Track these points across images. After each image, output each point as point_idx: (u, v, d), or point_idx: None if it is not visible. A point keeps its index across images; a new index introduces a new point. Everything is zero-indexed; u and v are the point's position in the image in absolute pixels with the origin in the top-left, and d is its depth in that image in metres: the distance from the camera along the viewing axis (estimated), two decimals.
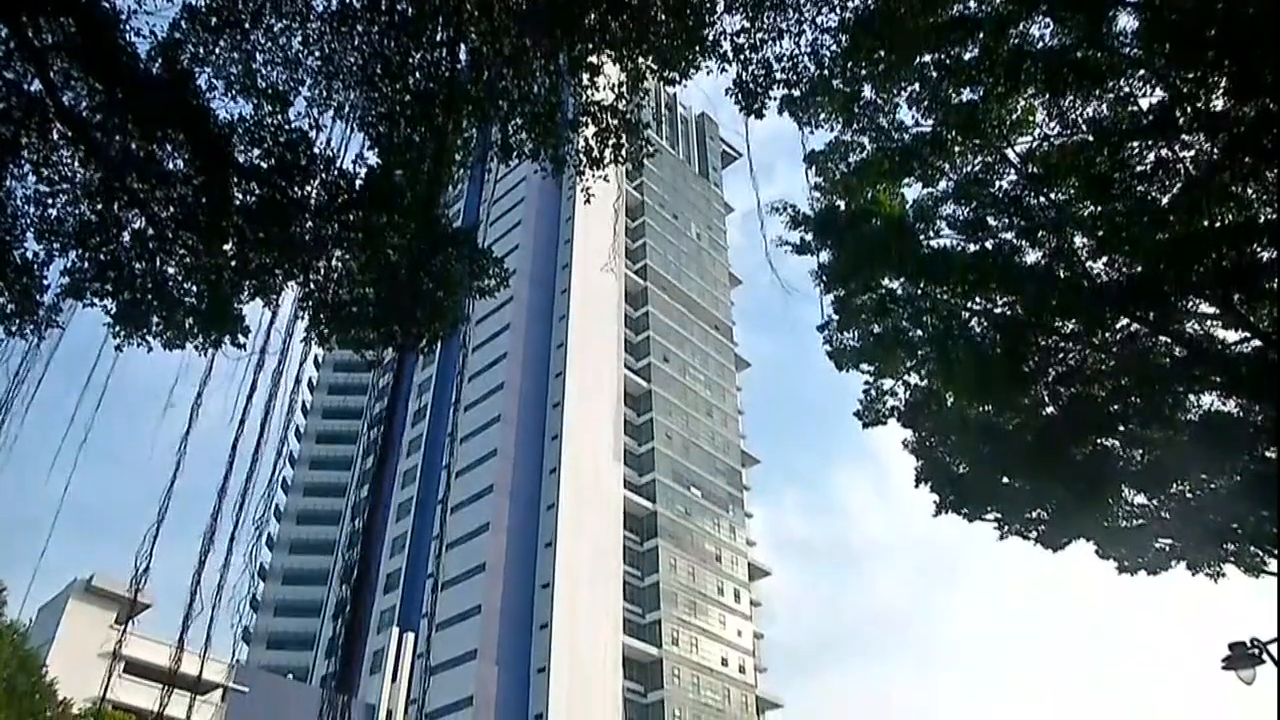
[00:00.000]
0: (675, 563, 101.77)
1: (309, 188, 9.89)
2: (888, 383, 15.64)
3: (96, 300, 9.54)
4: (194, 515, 9.54)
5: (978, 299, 13.82)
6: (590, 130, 10.62)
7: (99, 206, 9.34)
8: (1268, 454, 12.54)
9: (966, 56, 12.72)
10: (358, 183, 10.07)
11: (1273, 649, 12.32)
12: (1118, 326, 13.00)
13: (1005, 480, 15.19)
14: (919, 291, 14.42)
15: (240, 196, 9.75)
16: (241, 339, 10.07)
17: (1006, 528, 15.54)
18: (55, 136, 9.00)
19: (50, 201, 9.18)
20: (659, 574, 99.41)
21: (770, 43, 10.88)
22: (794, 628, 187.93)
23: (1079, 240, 13.23)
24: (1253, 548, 14.17)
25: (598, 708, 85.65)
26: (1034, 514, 15.37)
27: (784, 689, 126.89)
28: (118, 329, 9.63)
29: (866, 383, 15.73)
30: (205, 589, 9.14)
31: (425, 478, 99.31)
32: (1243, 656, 12.91)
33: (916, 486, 15.70)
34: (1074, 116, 12.78)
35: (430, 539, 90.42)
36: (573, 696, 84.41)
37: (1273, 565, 13.89)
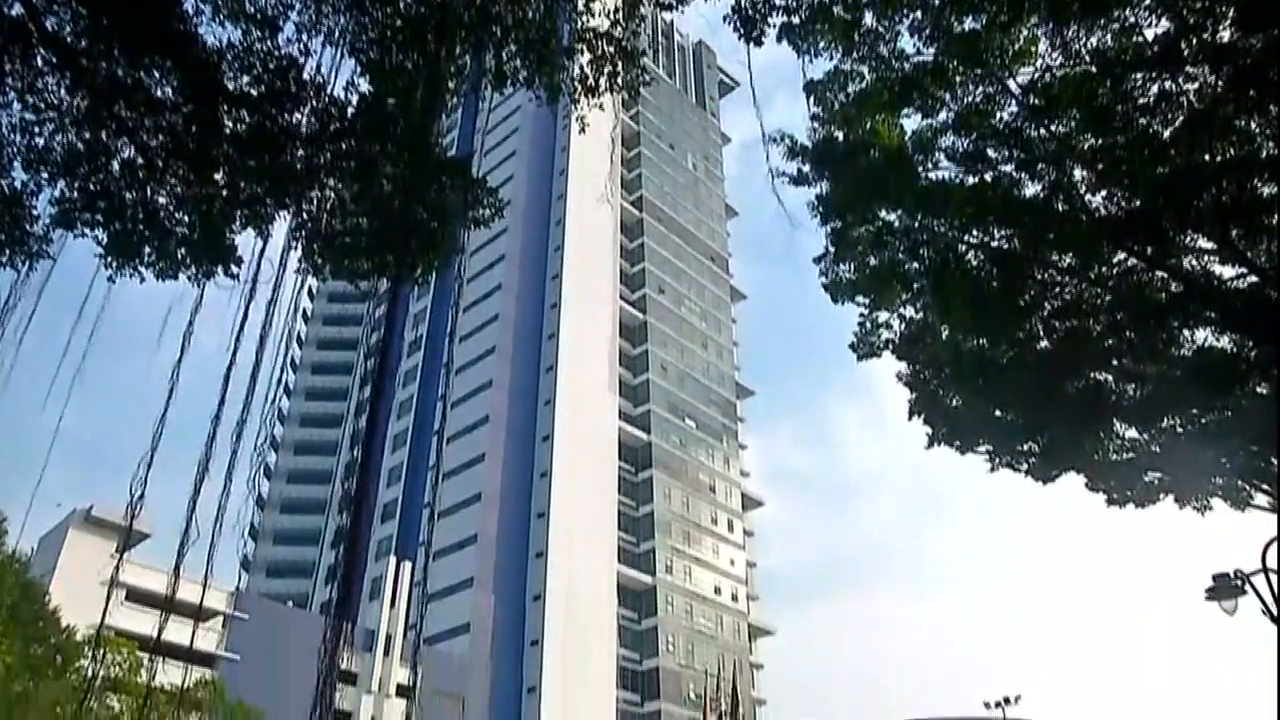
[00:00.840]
0: (670, 493, 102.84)
1: (300, 115, 9.74)
2: (883, 315, 15.64)
3: (87, 230, 9.44)
4: (193, 447, 9.58)
5: (975, 232, 13.74)
6: (585, 57, 10.42)
7: (87, 135, 9.19)
8: (1259, 389, 12.61)
9: None
10: (349, 110, 9.92)
11: (1256, 580, 12.56)
12: (1115, 261, 12.96)
13: (998, 413, 15.28)
14: (916, 224, 14.33)
15: (230, 124, 9.60)
16: (234, 269, 10.00)
17: (998, 460, 15.67)
18: (40, 63, 8.81)
19: (37, 130, 9.02)
20: (653, 504, 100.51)
21: None
22: (786, 557, 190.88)
23: (1078, 174, 13.11)
24: (1240, 482, 14.34)
25: (593, 634, 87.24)
26: (1025, 447, 15.49)
27: (776, 617, 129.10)
28: (109, 259, 9.54)
29: (862, 315, 15.72)
30: (203, 518, 9.20)
31: (421, 408, 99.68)
32: (1225, 588, 13.17)
33: (910, 419, 15.80)
34: (1077, 47, 12.56)
35: (427, 469, 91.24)
36: (568, 623, 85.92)
37: (1260, 499, 14.06)
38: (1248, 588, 12.78)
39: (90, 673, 28.71)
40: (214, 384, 9.89)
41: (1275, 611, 12.37)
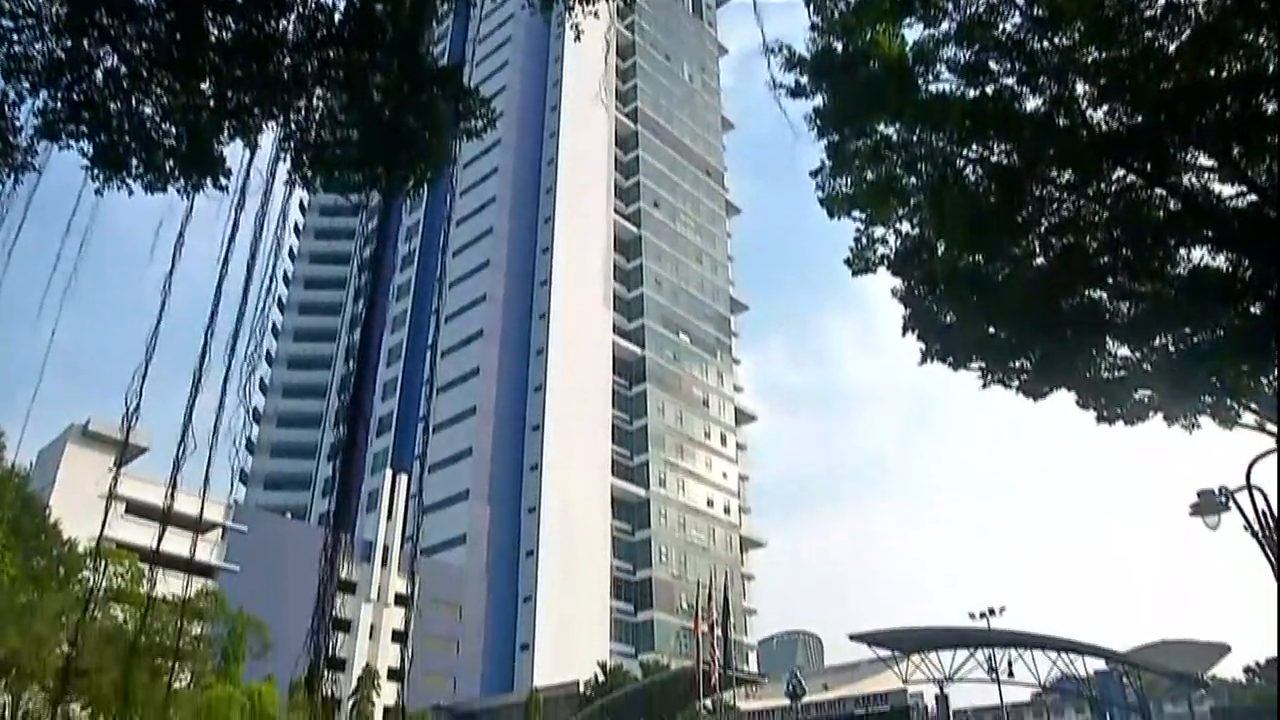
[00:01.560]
0: (663, 407, 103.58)
1: (286, 22, 9.49)
2: (879, 230, 15.50)
3: (72, 142, 9.26)
4: (188, 361, 9.57)
5: (974, 146, 13.54)
6: None
7: (68, 43, 8.94)
8: (1253, 309, 12.62)
9: None
10: (337, 17, 9.66)
11: (1240, 497, 12.77)
12: (1114, 178, 12.81)
13: (991, 330, 15.27)
14: (915, 138, 14.12)
15: (215, 32, 9.35)
16: (223, 181, 9.86)
17: (990, 376, 15.72)
18: None
19: (15, 37, 8.77)
20: (647, 418, 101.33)
21: None
22: (779, 472, 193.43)
23: (1080, 88, 12.87)
24: (1229, 400, 14.45)
25: (587, 545, 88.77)
26: (1017, 364, 15.52)
27: (768, 530, 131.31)
28: (96, 171, 9.39)
29: (858, 230, 15.58)
30: (200, 430, 9.23)
31: (415, 322, 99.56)
32: (1210, 504, 13.38)
33: (903, 335, 15.80)
34: None
35: (422, 383, 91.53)
36: (563, 535, 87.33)
37: (1247, 418, 14.18)
38: (1231, 504, 13.01)
39: (92, 584, 29.27)
40: (208, 297, 9.85)
41: (1257, 527, 12.63)
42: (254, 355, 9.79)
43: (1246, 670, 72.99)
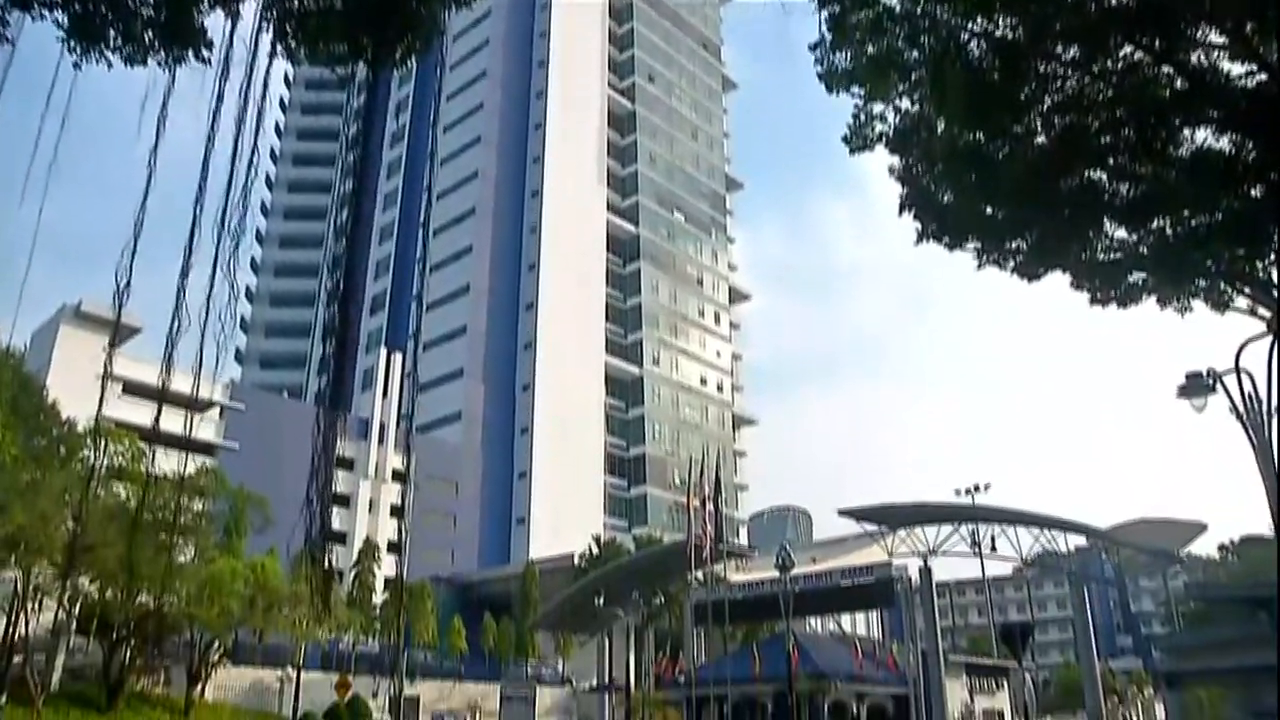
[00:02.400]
0: (657, 285, 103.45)
1: None
2: (878, 107, 15.13)
3: (45, 12, 8.91)
4: (179, 239, 9.43)
5: (978, 20, 13.10)
6: None
7: None
8: (1253, 192, 12.45)
9: None
10: None
11: (1229, 381, 12.87)
12: (1121, 55, 12.46)
13: (988, 210, 15.10)
14: (918, 10, 13.65)
15: None
16: (205, 53, 9.53)
17: (985, 257, 15.62)
18: None
19: None
20: (641, 296, 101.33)
21: None
22: (771, 351, 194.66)
23: None
24: (1223, 284, 14.41)
25: (581, 423, 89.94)
26: (1013, 244, 15.40)
27: (760, 408, 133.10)
28: (72, 44, 9.06)
29: (856, 106, 15.21)
30: (193, 308, 9.15)
31: (406, 200, 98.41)
32: (1197, 386, 13.49)
33: (900, 214, 15.62)
34: None
35: (414, 261, 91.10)
36: (557, 412, 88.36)
37: (1240, 302, 14.17)
38: (1218, 387, 13.11)
39: (93, 462, 29.68)
40: (196, 174, 9.64)
41: (1242, 409, 12.77)
42: (240, 228, 9.62)
43: (1221, 548, 75.34)
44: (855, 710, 48.91)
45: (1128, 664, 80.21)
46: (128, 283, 9.35)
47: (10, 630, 28.60)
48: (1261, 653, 24.05)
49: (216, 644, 37.59)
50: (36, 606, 31.18)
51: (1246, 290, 14.14)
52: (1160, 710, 50.02)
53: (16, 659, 28.77)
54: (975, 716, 51.54)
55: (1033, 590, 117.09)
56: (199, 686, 36.82)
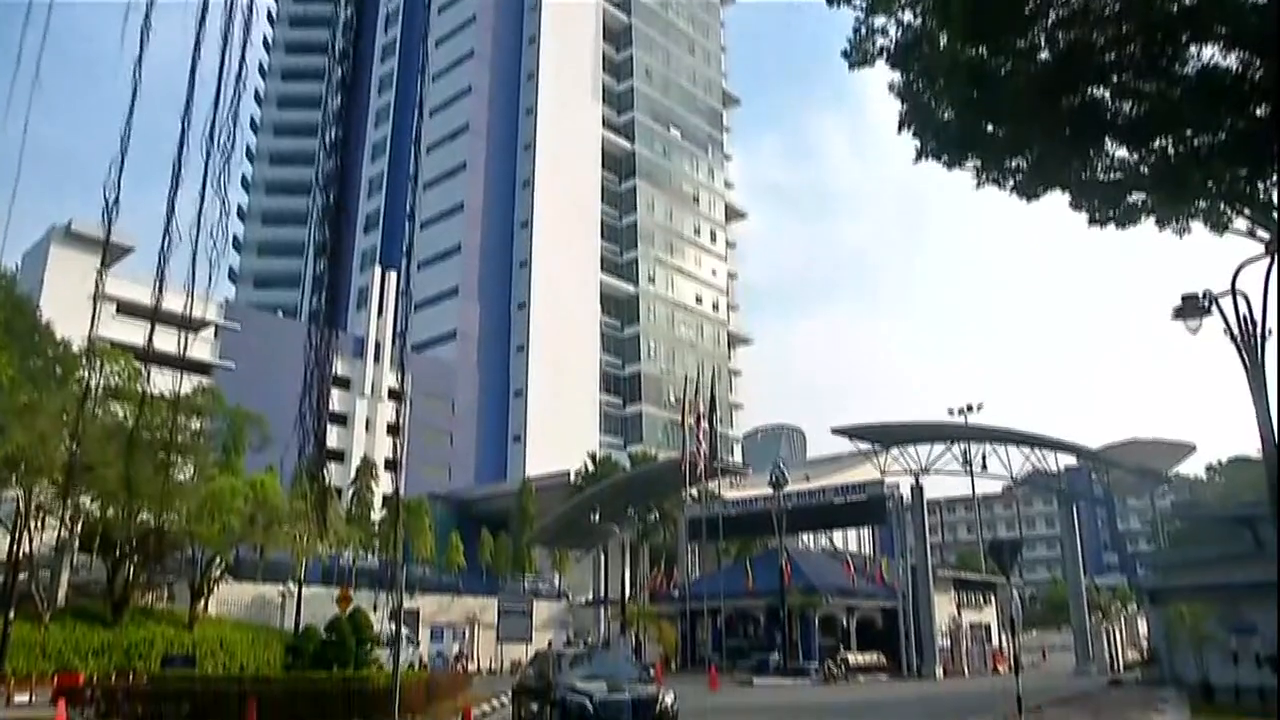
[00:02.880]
0: (653, 203, 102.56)
1: None
2: (879, 20, 14.82)
3: None
4: (168, 158, 9.23)
5: None
6: None
7: None
8: (1258, 112, 12.26)
9: None
10: None
11: (1225, 303, 12.85)
12: None
13: (989, 127, 14.90)
14: None
15: None
16: None
17: (985, 176, 15.47)
18: None
19: None
20: (637, 214, 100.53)
21: None
22: (767, 270, 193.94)
23: None
24: (1223, 206, 14.29)
25: (576, 341, 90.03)
26: (1013, 163, 15.24)
27: (755, 327, 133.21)
28: None
29: (857, 20, 14.90)
30: (185, 225, 9.02)
31: (398, 116, 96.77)
32: (1193, 307, 13.47)
33: (899, 131, 15.41)
34: None
35: (407, 179, 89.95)
36: (553, 330, 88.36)
37: (1239, 223, 14.07)
38: (1214, 309, 13.10)
39: (88, 382, 29.72)
40: (183, 89, 9.40)
41: (1236, 331, 12.79)
42: (230, 143, 9.43)
43: (1208, 468, 76.32)
44: (845, 623, 50.07)
45: (1113, 581, 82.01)
46: (116, 199, 9.20)
47: (14, 548, 28.96)
48: (1243, 570, 24.55)
49: (218, 560, 38.13)
50: (39, 525, 31.51)
51: (1246, 211, 14.04)
52: (1143, 625, 51.23)
53: (22, 576, 29.18)
54: (962, 630, 52.79)
55: (1022, 508, 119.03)
56: (202, 601, 37.48)
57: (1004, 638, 46.39)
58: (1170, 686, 28.61)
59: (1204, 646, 26.28)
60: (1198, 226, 14.69)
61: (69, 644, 31.27)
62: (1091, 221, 15.34)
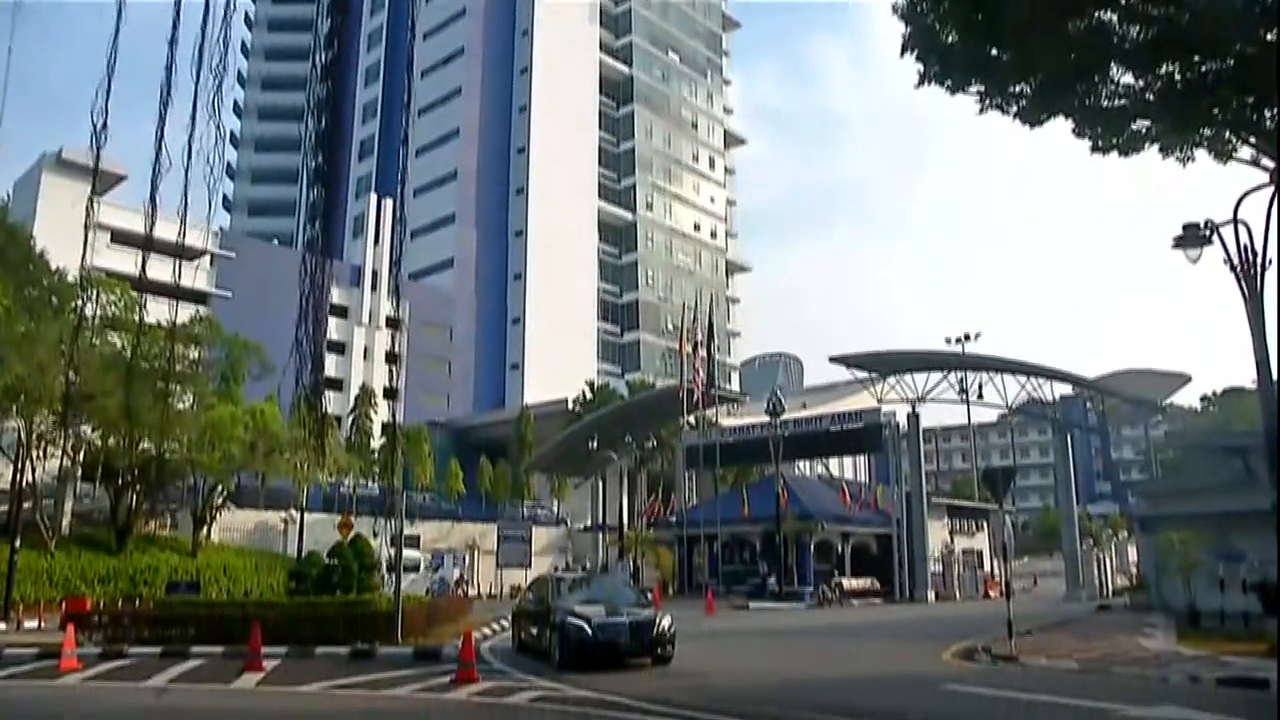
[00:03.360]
0: (651, 129, 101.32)
1: None
2: None
3: None
4: (158, 84, 9.05)
5: None
6: None
7: None
8: (1268, 36, 12.01)
9: None
10: None
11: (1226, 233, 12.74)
12: None
13: (994, 51, 14.65)
14: None
15: None
16: None
17: (988, 101, 15.25)
18: None
19: None
20: (635, 140, 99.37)
21: None
22: (766, 197, 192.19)
23: None
24: (1228, 134, 14.10)
25: (574, 269, 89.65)
26: (1018, 88, 15.01)
27: (753, 254, 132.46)
28: None
29: None
30: (179, 151, 8.90)
31: (392, 39, 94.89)
32: (1194, 237, 13.36)
33: (902, 55, 15.14)
34: None
35: (402, 104, 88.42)
36: (550, 257, 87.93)
37: (1244, 152, 13.89)
38: (1215, 239, 13.00)
39: (84, 311, 29.55)
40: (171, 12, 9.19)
41: (1236, 260, 12.71)
42: (221, 66, 9.27)
43: (1203, 399, 76.68)
44: (840, 549, 50.82)
45: (1105, 509, 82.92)
46: (104, 124, 9.06)
47: (18, 477, 29.18)
48: (1234, 498, 24.83)
49: (220, 488, 38.48)
50: (42, 455, 31.73)
51: (1251, 140, 13.86)
52: (1133, 553, 51.95)
53: (26, 505, 29.45)
54: (955, 556, 53.63)
55: (1016, 437, 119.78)
56: (205, 529, 37.93)
57: (995, 564, 47.14)
58: (1158, 612, 29.13)
59: (1192, 573, 26.68)
60: (1202, 155, 14.52)
61: (75, 571, 31.76)
62: (1094, 149, 15.16)
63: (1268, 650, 16.43)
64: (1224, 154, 14.21)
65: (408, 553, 43.91)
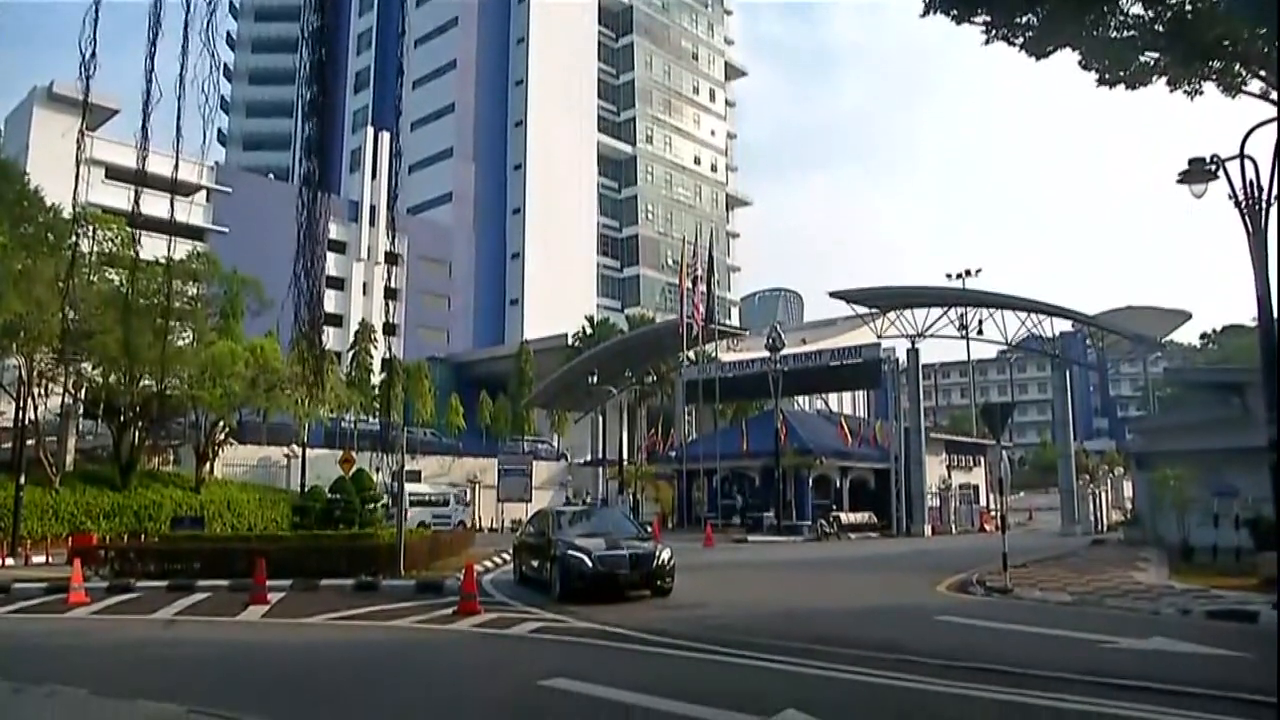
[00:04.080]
0: (651, 60, 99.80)
1: None
2: None
3: None
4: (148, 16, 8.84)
5: None
6: None
7: None
8: None
9: None
10: None
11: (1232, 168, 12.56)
12: None
13: None
14: None
15: None
16: None
17: (994, 31, 14.98)
18: None
19: None
20: (634, 72, 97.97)
21: None
22: (767, 131, 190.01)
23: None
24: (1237, 66, 13.87)
25: (573, 202, 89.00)
26: (1024, 18, 14.75)
27: (754, 189, 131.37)
28: None
29: None
30: (171, 81, 8.71)
31: None
32: (1199, 172, 13.19)
33: None
34: None
35: (397, 35, 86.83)
36: (549, 191, 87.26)
37: (1253, 85, 13.67)
38: (1220, 175, 12.83)
39: (80, 248, 29.42)
40: None
41: (1242, 195, 12.58)
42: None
43: (1202, 336, 76.69)
44: (838, 484, 51.25)
45: (1102, 445, 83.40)
46: (93, 54, 8.86)
47: (20, 414, 29.29)
48: (1229, 435, 24.95)
49: (221, 424, 38.65)
50: (43, 392, 31.81)
51: (1261, 72, 13.63)
52: (1128, 488, 52.33)
53: (30, 442, 29.62)
54: (952, 491, 54.10)
55: (1014, 373, 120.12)
56: (207, 464, 38.20)
57: (992, 499, 47.54)
58: (1151, 546, 29.45)
59: (1186, 509, 26.91)
60: (1210, 89, 14.29)
61: (80, 507, 32.09)
62: (1101, 82, 14.92)
63: (1258, 584, 16.66)
64: (1233, 87, 13.99)
65: (435, 488, 44.54)
